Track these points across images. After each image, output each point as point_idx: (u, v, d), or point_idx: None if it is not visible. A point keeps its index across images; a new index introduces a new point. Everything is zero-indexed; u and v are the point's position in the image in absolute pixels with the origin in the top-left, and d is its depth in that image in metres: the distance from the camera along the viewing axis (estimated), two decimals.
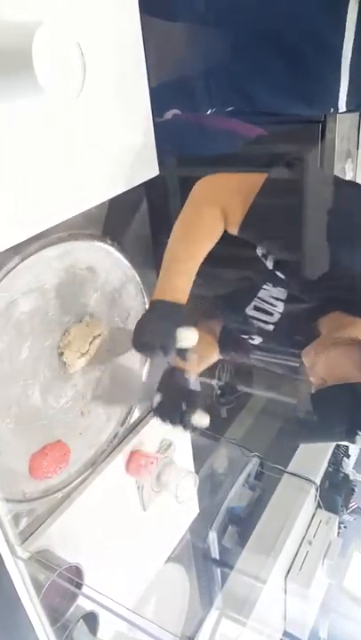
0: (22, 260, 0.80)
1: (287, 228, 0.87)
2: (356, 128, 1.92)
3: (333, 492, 2.68)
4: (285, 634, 2.48)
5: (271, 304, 1.02)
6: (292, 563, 2.40)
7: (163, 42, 1.07)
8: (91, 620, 0.92)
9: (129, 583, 1.19)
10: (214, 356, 1.25)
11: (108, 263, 0.99)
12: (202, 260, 0.91)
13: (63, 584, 0.79)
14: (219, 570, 2.30)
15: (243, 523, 2.43)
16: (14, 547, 0.78)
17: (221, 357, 1.26)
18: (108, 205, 0.94)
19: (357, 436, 0.81)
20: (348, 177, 1.93)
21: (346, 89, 1.10)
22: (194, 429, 0.95)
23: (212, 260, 0.94)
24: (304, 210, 0.85)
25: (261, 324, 1.06)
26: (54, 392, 0.94)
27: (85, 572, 0.92)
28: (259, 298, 1.02)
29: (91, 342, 0.97)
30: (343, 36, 1.02)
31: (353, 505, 2.72)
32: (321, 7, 1.01)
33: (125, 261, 1.02)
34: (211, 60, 1.20)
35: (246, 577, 2.21)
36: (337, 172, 1.79)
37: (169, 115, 1.28)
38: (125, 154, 0.91)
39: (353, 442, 0.81)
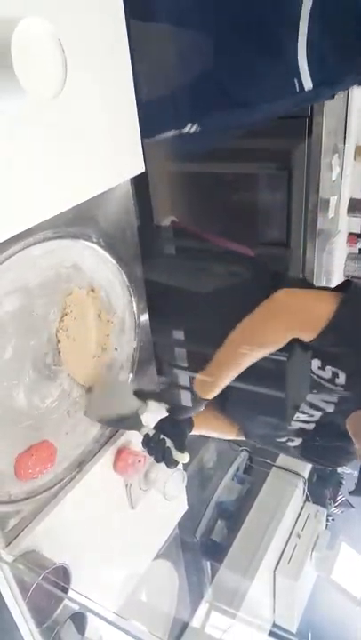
0: (6, 259, 0.78)
1: None
2: (342, 123, 1.92)
3: (321, 485, 2.70)
4: (275, 625, 2.51)
5: (317, 408, 1.05)
6: (281, 555, 2.42)
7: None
8: (79, 619, 0.92)
9: (117, 581, 1.19)
10: (237, 437, 1.31)
11: (94, 261, 0.98)
12: None
13: (49, 588, 0.79)
14: (208, 563, 2.31)
15: (232, 517, 2.44)
16: None
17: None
18: (96, 204, 0.93)
19: None
20: (335, 172, 1.92)
21: (305, 61, 1.03)
22: (176, 465, 1.03)
23: (262, 376, 1.01)
24: None
25: (302, 424, 1.10)
26: (40, 392, 0.93)
27: (73, 570, 0.92)
28: (307, 402, 1.05)
29: None
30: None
31: (341, 497, 2.74)
32: None
33: (112, 259, 1.01)
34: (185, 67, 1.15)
35: (235, 570, 2.23)
36: (324, 167, 1.79)
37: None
38: (111, 150, 0.89)
39: None
